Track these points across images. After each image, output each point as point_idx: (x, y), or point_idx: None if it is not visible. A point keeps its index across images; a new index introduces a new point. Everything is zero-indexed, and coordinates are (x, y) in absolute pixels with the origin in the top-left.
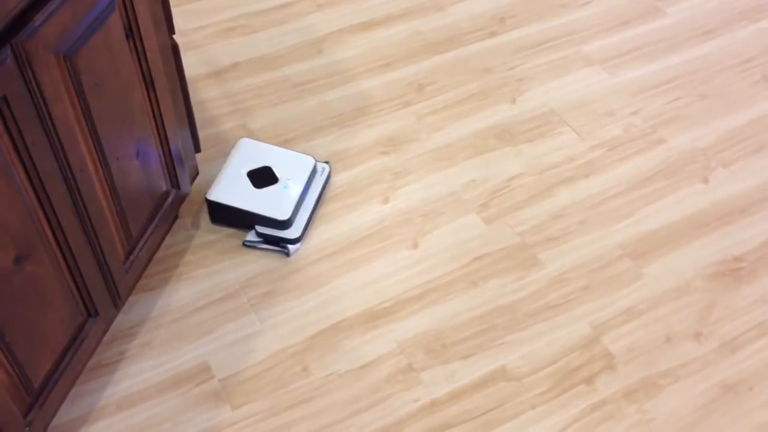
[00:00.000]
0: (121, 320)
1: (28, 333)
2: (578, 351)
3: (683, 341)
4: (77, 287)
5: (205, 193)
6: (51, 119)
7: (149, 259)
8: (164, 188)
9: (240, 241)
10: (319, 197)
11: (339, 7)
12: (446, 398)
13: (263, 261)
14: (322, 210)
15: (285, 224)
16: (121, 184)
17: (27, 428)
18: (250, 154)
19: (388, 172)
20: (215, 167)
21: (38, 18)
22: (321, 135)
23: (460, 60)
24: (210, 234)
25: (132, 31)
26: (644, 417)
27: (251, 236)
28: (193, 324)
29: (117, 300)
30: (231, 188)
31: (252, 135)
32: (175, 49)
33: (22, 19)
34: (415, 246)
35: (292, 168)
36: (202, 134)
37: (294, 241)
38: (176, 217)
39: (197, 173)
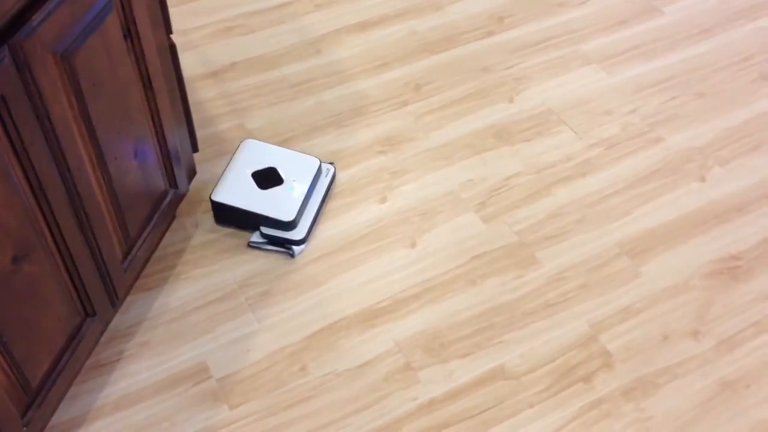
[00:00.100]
0: (119, 320)
1: (26, 333)
2: (576, 349)
3: (681, 339)
4: (75, 287)
5: (210, 193)
6: (49, 119)
7: (147, 259)
8: (162, 188)
9: (238, 240)
10: (324, 198)
11: (336, 7)
12: (444, 397)
13: (261, 261)
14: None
15: (290, 225)
16: (119, 183)
17: (25, 428)
18: (255, 154)
19: (385, 172)
20: (213, 167)
21: (36, 18)
22: (318, 135)
23: (457, 59)
24: (208, 234)
25: (130, 31)
26: (642, 415)
27: (256, 237)
28: (191, 324)
29: (115, 300)
30: (236, 189)
31: (249, 135)
32: (172, 49)
33: (20, 19)
34: (413, 245)
35: (297, 169)
36: (199, 134)
37: (299, 242)
38: (174, 217)
39: (195, 173)
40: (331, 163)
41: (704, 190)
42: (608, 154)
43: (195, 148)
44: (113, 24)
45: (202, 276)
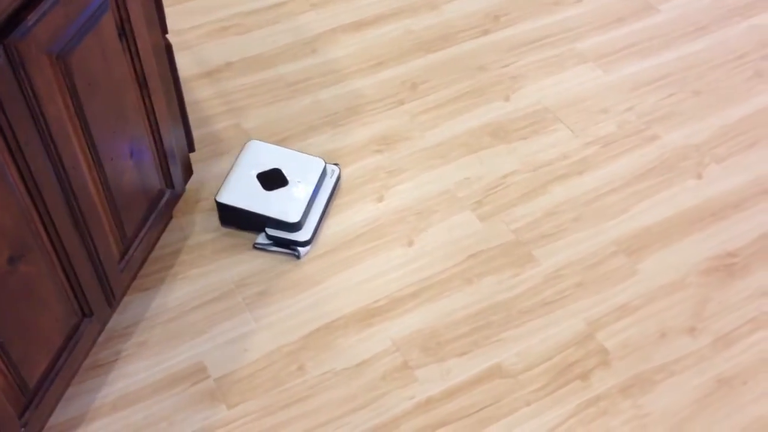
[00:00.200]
0: (117, 320)
1: (23, 333)
2: (573, 347)
3: (677, 336)
4: (72, 287)
5: (215, 195)
6: (44, 119)
7: (144, 259)
8: (158, 188)
9: (235, 240)
10: (329, 199)
11: (332, 6)
12: (441, 396)
13: (258, 260)
14: None
15: (295, 227)
16: (115, 183)
17: (23, 429)
18: (259, 155)
19: (381, 171)
20: (210, 167)
21: (31, 18)
22: (315, 134)
23: (453, 58)
24: (205, 234)
25: (125, 31)
26: (639, 412)
27: (261, 239)
28: (188, 323)
29: (112, 300)
30: (240, 190)
31: (246, 135)
32: (168, 48)
33: (14, 19)
34: (410, 244)
35: (302, 170)
36: (196, 134)
37: (304, 244)
38: (171, 217)
39: (191, 173)
40: (336, 164)
41: (700, 188)
42: (604, 152)
43: (191, 148)
44: (108, 24)
45: (199, 276)
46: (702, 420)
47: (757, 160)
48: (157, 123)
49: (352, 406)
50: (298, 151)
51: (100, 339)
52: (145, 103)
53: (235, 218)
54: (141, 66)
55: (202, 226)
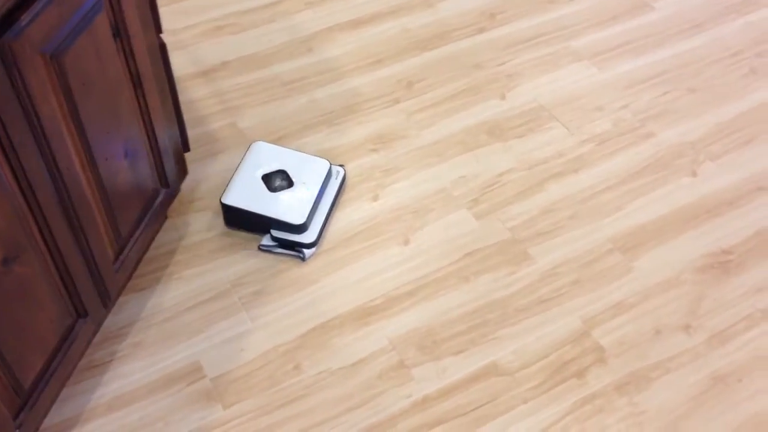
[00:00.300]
0: (112, 321)
1: (18, 334)
2: (569, 345)
3: (673, 334)
4: (66, 288)
5: (220, 196)
6: (38, 119)
7: (139, 259)
8: (153, 188)
9: (230, 240)
10: (335, 201)
11: (328, 5)
12: (438, 394)
13: (254, 260)
14: None
15: (300, 228)
16: (109, 183)
17: (17, 430)
18: (264, 157)
19: (377, 170)
20: (205, 166)
21: (25, 18)
22: (310, 133)
23: (449, 56)
24: (200, 233)
25: (119, 31)
26: (635, 409)
27: (266, 240)
28: (184, 324)
29: (107, 300)
30: (246, 192)
31: (241, 134)
32: (163, 48)
33: (8, 19)
34: (406, 243)
35: (307, 171)
36: (191, 134)
37: (309, 246)
38: (166, 217)
39: (186, 173)
40: (341, 166)
41: (696, 185)
42: (600, 150)
43: (186, 148)
44: (102, 24)
45: (194, 276)
46: (697, 417)
47: (752, 157)
48: (151, 123)
49: (348, 405)
50: (302, 152)
51: (95, 339)
52: (139, 103)
53: (240, 220)
54: (135, 66)
55: (198, 225)
